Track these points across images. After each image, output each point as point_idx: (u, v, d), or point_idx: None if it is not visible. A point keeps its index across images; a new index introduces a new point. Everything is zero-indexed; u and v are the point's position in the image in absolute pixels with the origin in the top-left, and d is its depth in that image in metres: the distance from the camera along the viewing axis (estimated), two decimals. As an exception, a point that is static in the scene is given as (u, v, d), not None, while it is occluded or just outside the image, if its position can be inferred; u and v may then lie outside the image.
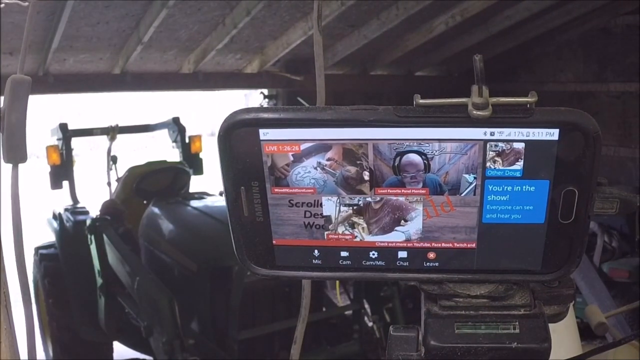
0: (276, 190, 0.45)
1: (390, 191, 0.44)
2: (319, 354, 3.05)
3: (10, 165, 0.77)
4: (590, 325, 1.26)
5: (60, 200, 4.50)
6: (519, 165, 0.42)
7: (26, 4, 0.77)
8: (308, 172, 0.44)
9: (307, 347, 2.96)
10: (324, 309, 3.36)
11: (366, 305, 3.31)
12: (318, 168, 0.44)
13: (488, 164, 0.43)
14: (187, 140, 4.67)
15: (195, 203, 3.72)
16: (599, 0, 4.19)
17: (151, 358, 3.06)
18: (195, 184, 4.58)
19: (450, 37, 4.46)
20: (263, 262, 0.47)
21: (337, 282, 3.40)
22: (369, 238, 0.46)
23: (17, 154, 0.77)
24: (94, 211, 4.19)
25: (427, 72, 5.72)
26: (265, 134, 0.43)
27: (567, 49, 5.12)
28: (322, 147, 0.43)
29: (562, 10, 4.23)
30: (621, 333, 2.44)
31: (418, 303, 0.50)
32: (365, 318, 3.27)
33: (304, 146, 0.43)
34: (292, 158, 0.44)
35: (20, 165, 0.78)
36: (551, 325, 0.49)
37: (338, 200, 0.45)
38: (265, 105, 5.17)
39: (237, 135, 0.43)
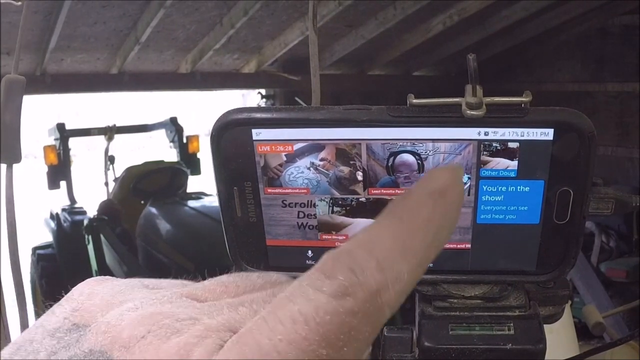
0: (269, 190, 0.44)
1: (384, 191, 0.44)
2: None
3: (4, 166, 0.77)
4: (588, 326, 1.26)
5: (58, 200, 4.50)
6: (514, 165, 0.42)
7: (19, 3, 0.77)
8: (301, 173, 0.44)
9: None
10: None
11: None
12: (311, 168, 0.43)
13: (482, 164, 0.42)
14: (184, 140, 4.67)
15: (192, 203, 3.73)
16: (597, 0, 4.20)
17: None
18: (193, 184, 4.58)
19: (447, 37, 4.46)
20: (256, 263, 0.47)
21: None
22: (362, 239, 0.46)
23: (11, 154, 0.77)
24: (92, 211, 4.19)
25: (424, 72, 5.72)
26: (258, 134, 0.42)
27: (565, 49, 5.12)
28: (315, 147, 0.43)
29: (559, 10, 4.24)
30: (619, 333, 2.45)
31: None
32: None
33: (297, 146, 0.43)
34: (285, 158, 0.43)
35: (15, 165, 0.78)
36: (548, 326, 0.49)
37: (331, 201, 0.45)
38: (263, 105, 5.17)
39: (230, 135, 0.42)
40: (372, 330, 0.22)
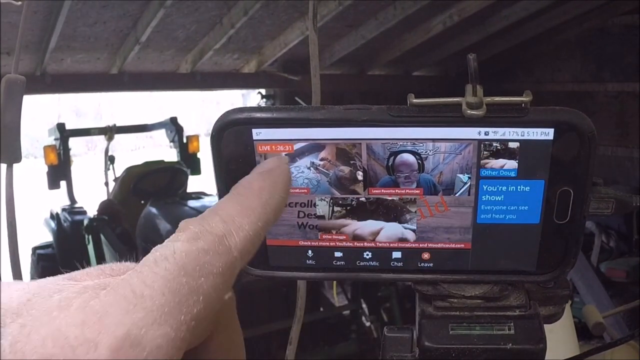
0: (269, 190, 0.44)
1: (384, 191, 0.44)
2: (316, 354, 3.05)
3: (4, 166, 0.77)
4: (588, 326, 1.26)
5: (58, 200, 4.50)
6: (514, 165, 0.42)
7: (19, 3, 0.77)
8: (301, 172, 0.43)
9: (304, 347, 2.96)
10: (321, 309, 3.36)
11: (364, 305, 3.32)
12: (311, 168, 0.43)
13: (482, 164, 0.42)
14: (184, 140, 4.67)
15: (192, 203, 3.73)
16: (597, 0, 4.20)
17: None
18: (193, 184, 4.58)
19: (447, 37, 4.47)
20: (256, 263, 0.47)
21: (334, 282, 3.40)
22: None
23: (11, 154, 0.77)
24: (92, 211, 4.19)
25: (424, 72, 5.72)
26: (258, 133, 0.42)
27: (565, 49, 5.12)
28: (316, 147, 0.43)
29: (559, 10, 4.24)
30: (619, 333, 2.45)
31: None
32: (363, 318, 3.28)
33: (297, 146, 0.43)
34: (285, 158, 0.43)
35: (15, 165, 0.78)
36: (548, 326, 0.48)
37: (331, 201, 0.45)
38: (263, 105, 5.17)
39: (230, 134, 0.42)
40: (225, 267, 0.28)
